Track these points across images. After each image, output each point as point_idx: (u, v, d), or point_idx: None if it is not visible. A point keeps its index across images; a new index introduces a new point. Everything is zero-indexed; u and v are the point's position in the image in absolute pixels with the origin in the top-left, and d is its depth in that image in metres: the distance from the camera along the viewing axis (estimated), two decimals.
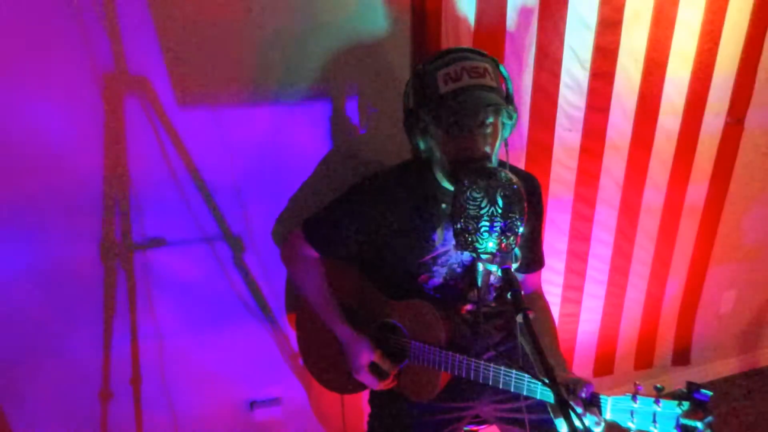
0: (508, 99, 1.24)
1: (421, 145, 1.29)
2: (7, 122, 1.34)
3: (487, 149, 1.20)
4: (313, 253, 1.47)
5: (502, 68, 1.25)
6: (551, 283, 2.01)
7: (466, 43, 1.57)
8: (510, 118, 1.25)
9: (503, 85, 1.25)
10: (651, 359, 2.36)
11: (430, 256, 1.38)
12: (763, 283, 2.51)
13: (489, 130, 1.20)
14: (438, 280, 1.41)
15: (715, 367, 2.63)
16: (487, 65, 1.20)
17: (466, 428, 1.55)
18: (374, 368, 1.43)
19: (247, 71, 1.46)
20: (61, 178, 1.43)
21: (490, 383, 1.27)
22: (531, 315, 1.00)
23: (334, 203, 1.46)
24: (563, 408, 0.90)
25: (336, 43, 1.50)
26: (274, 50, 1.46)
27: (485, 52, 1.24)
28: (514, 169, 1.43)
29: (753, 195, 2.24)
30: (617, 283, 2.13)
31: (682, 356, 2.44)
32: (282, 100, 1.52)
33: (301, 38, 1.47)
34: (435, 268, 1.40)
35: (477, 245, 1.08)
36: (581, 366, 2.26)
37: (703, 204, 2.13)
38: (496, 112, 1.20)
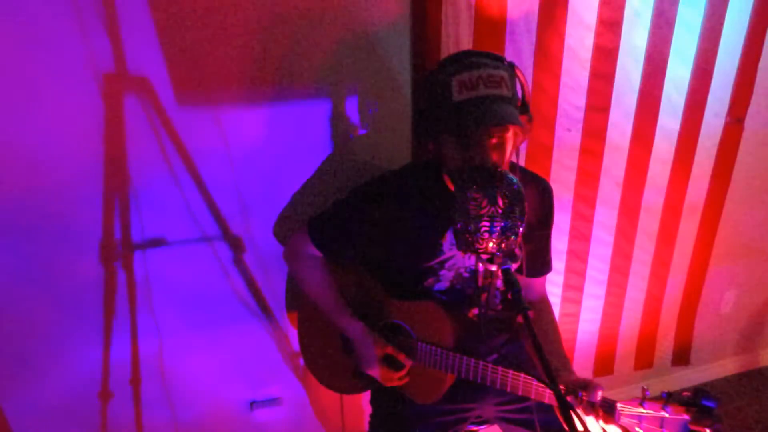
0: (524, 107, 1.20)
1: (430, 149, 1.26)
2: (7, 122, 1.34)
3: (497, 160, 1.16)
4: (318, 253, 1.47)
5: (519, 74, 1.21)
6: (551, 283, 2.01)
7: (467, 43, 1.57)
8: (524, 128, 1.21)
9: (519, 92, 1.21)
10: (651, 359, 2.36)
11: (437, 261, 1.37)
12: (763, 283, 2.51)
13: (501, 141, 1.17)
14: (444, 284, 1.41)
15: (715, 367, 2.63)
16: (504, 73, 1.15)
17: (467, 428, 1.55)
18: (388, 361, 1.40)
19: (247, 71, 1.46)
20: (60, 179, 1.43)
21: (498, 386, 1.26)
22: (531, 315, 1.00)
23: (339, 204, 1.43)
24: (565, 412, 0.90)
25: (336, 43, 1.50)
26: (274, 50, 1.46)
27: (503, 57, 1.20)
28: (526, 172, 1.43)
29: (753, 195, 2.24)
30: (617, 283, 2.13)
31: (682, 356, 2.44)
32: (282, 100, 1.52)
33: (301, 38, 1.47)
34: (442, 272, 1.39)
35: (477, 245, 1.07)
36: (581, 366, 2.26)
37: (703, 204, 2.13)
38: (508, 126, 1.17)
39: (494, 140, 1.15)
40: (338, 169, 1.64)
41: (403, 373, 1.41)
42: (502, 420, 1.48)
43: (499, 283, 1.40)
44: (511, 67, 1.19)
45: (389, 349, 1.40)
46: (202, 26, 1.38)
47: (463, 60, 1.17)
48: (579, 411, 1.13)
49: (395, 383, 1.42)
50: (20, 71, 1.31)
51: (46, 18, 1.28)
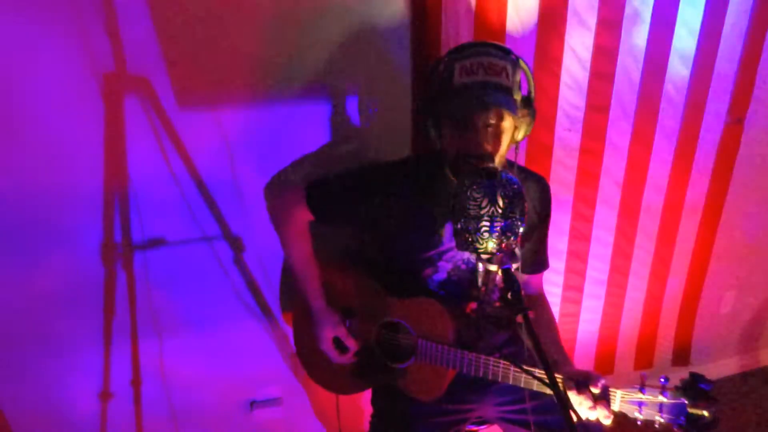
0: (527, 101, 1.23)
1: (432, 133, 1.29)
2: (8, 122, 1.34)
3: (491, 148, 1.20)
4: (308, 216, 1.45)
5: (525, 68, 1.23)
6: (551, 283, 2.01)
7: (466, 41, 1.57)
8: (522, 120, 1.24)
9: (523, 86, 1.24)
10: (651, 359, 2.37)
11: (435, 251, 1.38)
12: (763, 283, 2.51)
13: (495, 130, 1.20)
14: (442, 275, 1.42)
15: (715, 367, 2.63)
16: (506, 64, 1.18)
17: (467, 429, 1.55)
18: (338, 343, 1.48)
19: (247, 71, 1.46)
20: (61, 179, 1.43)
21: (500, 380, 1.27)
22: (531, 315, 1.00)
23: (342, 175, 1.45)
24: (563, 408, 0.90)
25: (336, 42, 1.50)
26: (274, 49, 1.46)
27: (510, 50, 1.22)
28: (525, 171, 1.46)
29: (753, 195, 2.24)
30: (617, 283, 2.13)
31: (681, 356, 2.44)
32: (282, 100, 1.52)
33: (301, 38, 1.47)
34: (440, 263, 1.40)
35: (477, 245, 1.07)
36: (581, 366, 2.25)
37: (703, 204, 2.13)
38: (504, 114, 1.19)
39: (489, 127, 1.18)
40: (338, 168, 1.64)
41: (347, 356, 1.47)
42: (502, 420, 1.48)
43: (498, 279, 1.41)
44: (517, 59, 1.22)
45: (340, 332, 1.46)
46: (201, 26, 1.38)
47: (468, 48, 1.21)
48: (581, 398, 1.16)
49: (341, 362, 1.49)
50: (20, 71, 1.31)
51: (46, 18, 1.28)
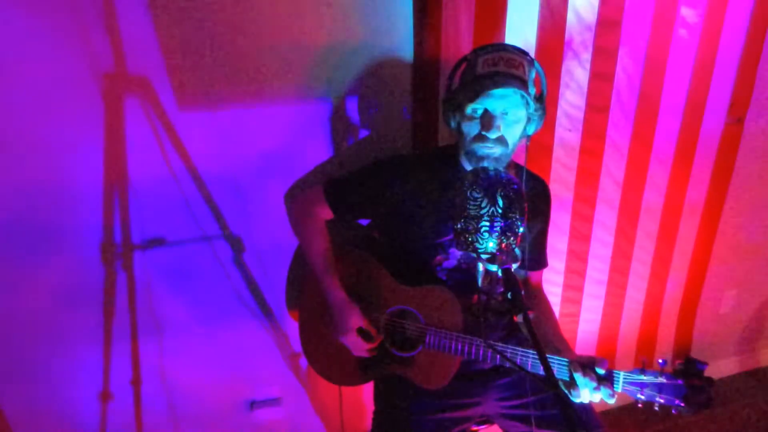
0: (539, 98, 1.32)
1: (452, 124, 1.37)
2: (7, 122, 1.34)
3: (503, 132, 1.27)
4: (327, 214, 1.50)
5: (539, 68, 1.32)
6: (551, 283, 2.01)
7: (466, 42, 1.58)
8: (534, 113, 1.32)
9: (537, 84, 1.33)
10: (651, 359, 2.37)
11: (447, 238, 1.42)
12: (763, 283, 2.51)
13: (510, 116, 1.27)
14: (452, 262, 1.44)
15: (715, 367, 2.63)
16: (523, 61, 1.28)
17: (470, 429, 1.55)
18: (361, 333, 1.47)
19: (247, 71, 1.46)
20: (61, 179, 1.43)
21: (508, 364, 1.32)
22: (531, 315, 1.01)
23: (359, 170, 1.50)
24: (566, 410, 0.90)
25: (336, 43, 1.50)
26: (273, 50, 1.46)
27: (527, 52, 1.32)
28: (528, 173, 1.50)
29: (753, 194, 2.24)
30: (617, 283, 2.13)
31: (681, 356, 2.44)
32: (282, 100, 1.52)
33: (301, 38, 1.47)
34: (451, 250, 1.43)
35: (477, 245, 1.08)
36: None
37: (703, 204, 2.13)
38: (518, 100, 1.26)
39: (505, 114, 1.27)
40: (338, 169, 1.64)
41: (373, 345, 1.46)
42: (504, 416, 1.49)
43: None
44: (532, 60, 1.31)
45: (364, 323, 1.45)
46: (202, 26, 1.38)
47: (491, 46, 1.33)
48: (586, 380, 1.21)
49: (364, 354, 1.47)
50: (20, 71, 1.31)
51: (46, 18, 1.28)
